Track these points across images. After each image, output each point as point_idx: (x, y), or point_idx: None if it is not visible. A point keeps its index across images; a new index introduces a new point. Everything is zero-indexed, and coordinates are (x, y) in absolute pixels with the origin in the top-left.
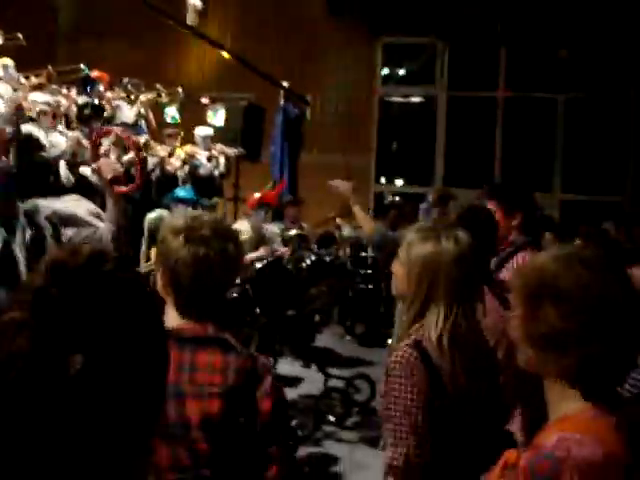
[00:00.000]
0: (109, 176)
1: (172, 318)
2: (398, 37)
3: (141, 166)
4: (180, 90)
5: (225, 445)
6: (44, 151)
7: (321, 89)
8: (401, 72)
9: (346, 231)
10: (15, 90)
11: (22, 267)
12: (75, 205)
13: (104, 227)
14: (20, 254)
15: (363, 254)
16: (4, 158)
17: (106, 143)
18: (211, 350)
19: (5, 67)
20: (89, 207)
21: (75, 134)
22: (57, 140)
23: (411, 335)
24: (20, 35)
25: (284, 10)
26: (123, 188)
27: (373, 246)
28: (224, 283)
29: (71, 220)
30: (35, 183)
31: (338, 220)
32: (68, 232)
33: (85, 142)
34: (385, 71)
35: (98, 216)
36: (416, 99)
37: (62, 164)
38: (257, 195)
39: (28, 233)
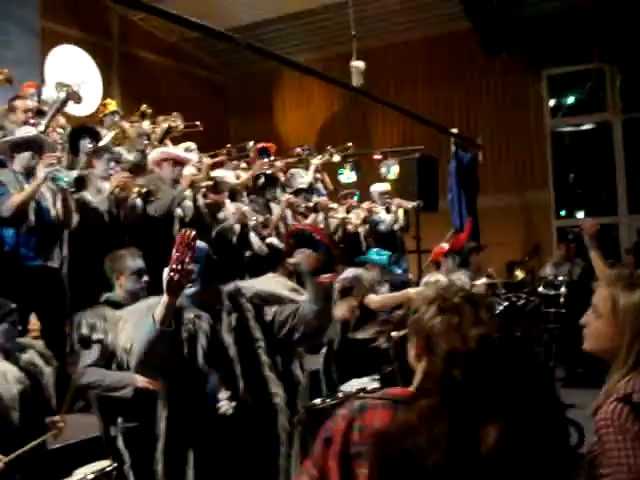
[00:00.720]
0: (310, 268)
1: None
2: (562, 67)
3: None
4: (350, 144)
5: None
6: (219, 224)
7: (490, 129)
8: (569, 101)
9: (546, 271)
10: (198, 170)
11: (232, 352)
12: (274, 283)
13: (305, 303)
14: (229, 339)
15: (553, 292)
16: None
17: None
18: None
19: (189, 150)
20: (286, 283)
21: (237, 205)
22: (227, 215)
23: (619, 390)
24: (198, 123)
25: (441, 56)
26: (326, 278)
27: None
28: None
29: (272, 298)
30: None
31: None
32: (271, 310)
33: (249, 212)
34: (552, 102)
35: (296, 290)
36: (588, 127)
37: (252, 235)
38: (444, 245)
39: (233, 317)
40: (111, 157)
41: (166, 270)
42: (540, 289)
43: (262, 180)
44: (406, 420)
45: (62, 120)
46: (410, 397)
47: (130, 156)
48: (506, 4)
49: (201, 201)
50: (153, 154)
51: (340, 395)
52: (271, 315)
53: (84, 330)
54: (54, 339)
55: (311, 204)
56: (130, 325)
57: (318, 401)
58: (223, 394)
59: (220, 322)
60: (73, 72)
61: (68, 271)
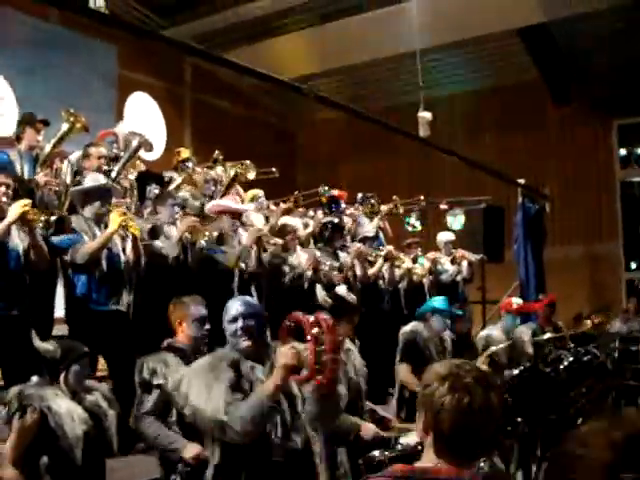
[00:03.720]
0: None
1: (429, 458)
2: (633, 117)
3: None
4: (422, 198)
5: None
6: (284, 276)
7: (558, 179)
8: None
9: (616, 326)
10: (267, 218)
11: (284, 405)
12: None
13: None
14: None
15: (633, 348)
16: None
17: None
18: None
19: (256, 198)
20: None
21: (311, 252)
22: (299, 261)
23: None
24: (274, 169)
25: (509, 106)
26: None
27: None
28: (485, 431)
29: None
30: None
31: (593, 318)
32: None
33: (321, 257)
34: (622, 152)
35: None
36: None
37: (319, 287)
38: (515, 300)
39: None
40: (175, 202)
41: (286, 350)
42: (616, 344)
43: (329, 229)
44: None
45: (133, 167)
46: (414, 474)
47: (196, 202)
48: (575, 54)
49: (268, 253)
50: (208, 206)
51: (399, 447)
52: None
53: (145, 374)
54: (121, 382)
55: (381, 253)
56: (199, 386)
57: (376, 453)
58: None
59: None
60: (143, 118)
61: (134, 316)
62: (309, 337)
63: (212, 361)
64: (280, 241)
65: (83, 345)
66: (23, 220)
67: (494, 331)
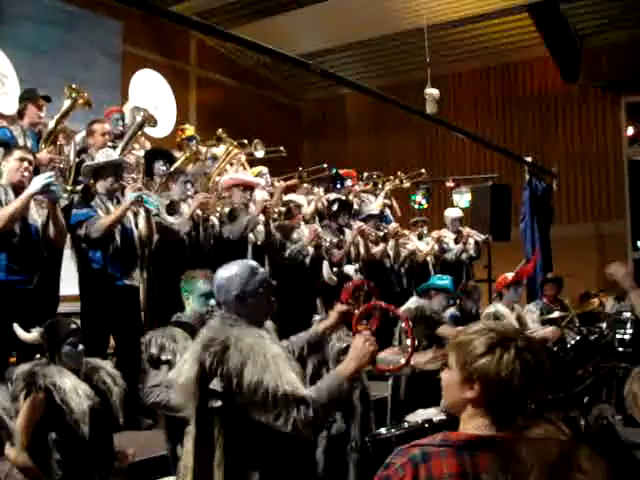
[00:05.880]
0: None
1: (476, 425)
2: None
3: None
4: (423, 171)
5: None
6: (292, 244)
7: (565, 158)
8: None
9: (608, 305)
10: (271, 195)
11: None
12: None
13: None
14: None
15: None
16: None
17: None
18: None
19: (260, 174)
20: None
21: (312, 227)
22: (301, 236)
23: None
24: (282, 148)
25: (516, 83)
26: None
27: None
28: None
29: None
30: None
31: (601, 297)
32: None
33: (322, 232)
34: (631, 130)
35: None
36: None
37: (325, 264)
38: (509, 275)
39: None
40: (186, 179)
41: (361, 340)
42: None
43: (336, 206)
44: None
45: (138, 143)
46: (471, 441)
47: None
48: (585, 31)
49: (273, 226)
50: (222, 180)
51: (405, 425)
52: None
53: (153, 350)
54: (128, 357)
55: (381, 233)
56: (259, 360)
57: (383, 430)
58: None
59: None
60: (150, 96)
61: (147, 291)
62: (404, 326)
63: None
64: (283, 209)
65: (72, 322)
66: (46, 192)
67: (499, 306)
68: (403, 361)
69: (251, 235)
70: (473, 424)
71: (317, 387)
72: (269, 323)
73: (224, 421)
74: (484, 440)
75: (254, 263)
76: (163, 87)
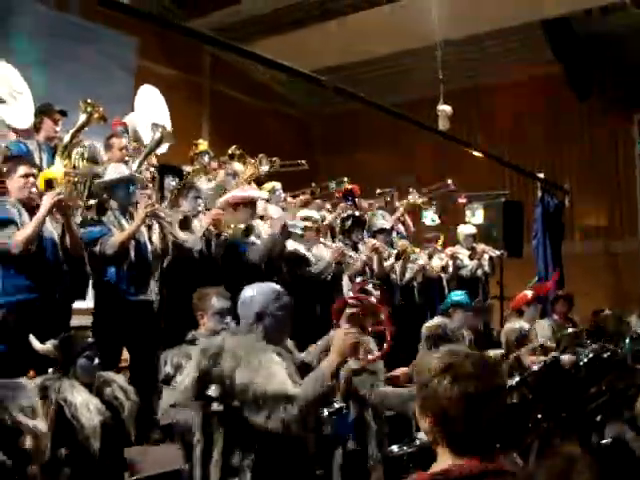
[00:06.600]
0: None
1: (445, 459)
2: None
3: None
4: (450, 182)
5: None
6: (309, 266)
7: (577, 174)
8: None
9: (633, 321)
10: (283, 210)
11: None
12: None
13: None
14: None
15: None
16: None
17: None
18: None
19: (274, 190)
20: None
21: (339, 245)
22: (321, 253)
23: None
24: (304, 162)
25: (528, 100)
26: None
27: None
28: (496, 418)
29: None
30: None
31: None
32: None
33: (349, 252)
34: None
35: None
36: None
37: (345, 278)
38: (528, 292)
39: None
40: (196, 195)
41: (341, 333)
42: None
43: (350, 222)
44: None
45: (153, 159)
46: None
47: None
48: (596, 47)
49: (292, 244)
50: (225, 198)
51: (417, 442)
52: None
53: (169, 369)
54: (142, 372)
55: (394, 251)
56: (251, 362)
57: (395, 448)
58: None
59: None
60: (152, 111)
61: (160, 308)
62: (382, 315)
63: (249, 340)
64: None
65: (88, 335)
66: (59, 208)
67: (522, 323)
68: (377, 353)
69: None
70: (443, 457)
71: (303, 383)
72: (289, 342)
73: (223, 424)
74: (449, 474)
75: (280, 288)
76: (160, 102)
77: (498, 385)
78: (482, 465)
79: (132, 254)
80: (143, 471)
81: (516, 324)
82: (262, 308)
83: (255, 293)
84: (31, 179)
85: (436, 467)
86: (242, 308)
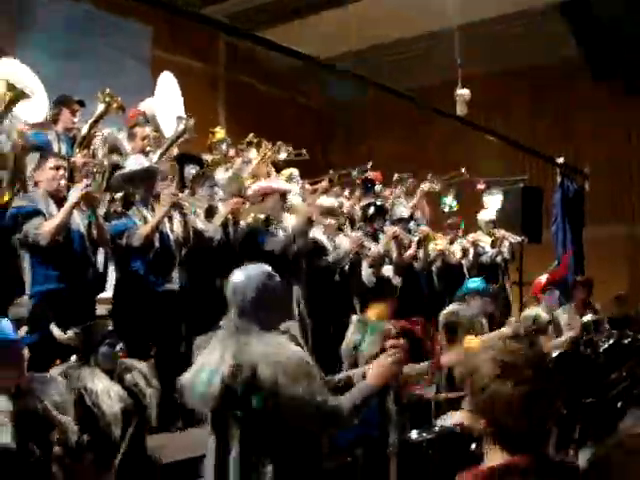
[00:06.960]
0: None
1: (497, 457)
2: None
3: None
4: (464, 170)
5: None
6: (327, 254)
7: (597, 158)
8: None
9: None
10: (303, 199)
11: None
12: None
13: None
14: None
15: None
16: None
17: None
18: None
19: (291, 177)
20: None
21: (358, 235)
22: (341, 242)
23: None
24: (304, 151)
25: (547, 84)
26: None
27: None
28: (551, 415)
29: None
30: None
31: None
32: None
33: (367, 243)
34: None
35: None
36: None
37: (365, 265)
38: (543, 278)
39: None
40: (211, 183)
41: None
42: None
43: (372, 210)
44: None
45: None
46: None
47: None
48: (615, 32)
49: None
50: (256, 187)
51: (436, 429)
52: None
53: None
54: (168, 361)
55: (415, 238)
56: (299, 375)
57: (414, 435)
58: None
59: None
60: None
61: (182, 296)
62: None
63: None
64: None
65: (109, 323)
66: (87, 201)
67: (540, 311)
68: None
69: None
70: (494, 455)
71: (347, 398)
72: (291, 323)
73: (242, 424)
74: (499, 470)
75: (269, 268)
76: (175, 89)
77: (556, 384)
78: (535, 460)
79: (157, 244)
80: (166, 458)
81: (532, 311)
82: (258, 293)
83: (245, 278)
84: (61, 171)
85: (489, 464)
86: (234, 295)
